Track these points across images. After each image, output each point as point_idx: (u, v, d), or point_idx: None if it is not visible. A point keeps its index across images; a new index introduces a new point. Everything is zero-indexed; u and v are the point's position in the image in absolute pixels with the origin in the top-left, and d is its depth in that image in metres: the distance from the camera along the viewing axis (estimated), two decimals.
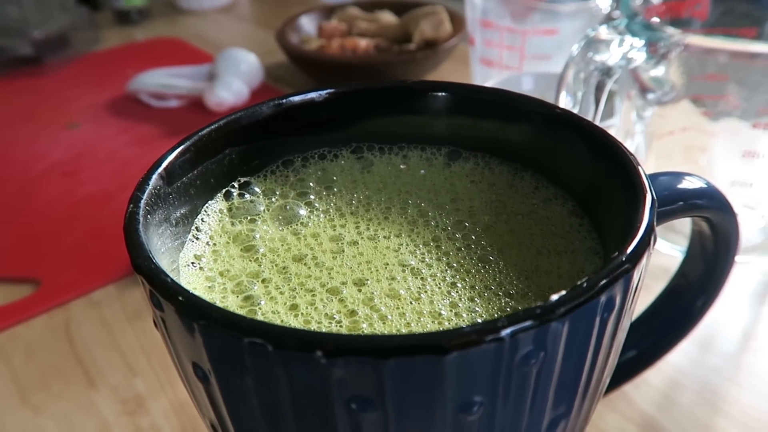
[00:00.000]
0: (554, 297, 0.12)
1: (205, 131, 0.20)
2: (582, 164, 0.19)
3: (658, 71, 0.32)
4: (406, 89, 0.21)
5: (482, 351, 0.11)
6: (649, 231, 0.14)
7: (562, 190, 0.20)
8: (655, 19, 0.41)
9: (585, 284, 0.12)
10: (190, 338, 0.13)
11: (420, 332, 0.15)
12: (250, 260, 0.19)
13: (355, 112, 0.22)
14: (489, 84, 0.47)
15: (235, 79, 0.58)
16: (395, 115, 0.22)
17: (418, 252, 0.19)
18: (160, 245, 0.17)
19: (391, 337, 0.12)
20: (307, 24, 0.67)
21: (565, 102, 0.31)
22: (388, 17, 0.64)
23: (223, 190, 0.21)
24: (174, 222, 0.18)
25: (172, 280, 0.13)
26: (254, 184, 0.21)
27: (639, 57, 0.31)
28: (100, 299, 0.37)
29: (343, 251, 0.19)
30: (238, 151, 0.21)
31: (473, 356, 0.12)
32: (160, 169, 0.18)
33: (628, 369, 0.23)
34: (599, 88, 0.30)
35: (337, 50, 0.59)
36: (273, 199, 0.21)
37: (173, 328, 0.13)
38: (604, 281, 0.12)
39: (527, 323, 0.12)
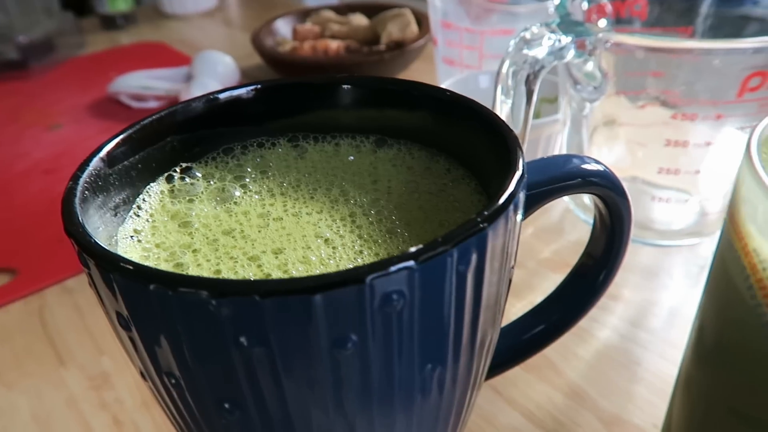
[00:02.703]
0: (411, 249, 0.14)
1: (146, 121, 0.22)
2: (477, 144, 0.21)
3: (588, 66, 0.34)
4: (331, 83, 0.24)
5: (345, 292, 0.14)
6: (509, 199, 0.16)
7: (468, 171, 0.23)
8: (603, 20, 0.43)
9: (440, 239, 0.15)
10: (110, 290, 0.15)
11: None
12: (185, 234, 0.21)
13: (289, 105, 0.24)
14: (448, 82, 0.49)
15: (212, 81, 0.60)
16: (327, 107, 0.25)
17: (334, 226, 0.21)
18: (99, 219, 0.19)
19: (268, 281, 0.14)
20: (283, 27, 0.69)
21: (500, 96, 0.33)
22: (359, 20, 0.66)
23: (166, 174, 0.23)
24: (115, 200, 0.21)
25: (95, 241, 0.15)
26: (195, 168, 0.24)
27: (569, 53, 0.33)
28: (74, 286, 0.39)
29: (268, 226, 0.21)
30: (180, 139, 0.23)
31: (338, 297, 0.14)
32: (101, 154, 0.20)
33: (538, 341, 0.25)
34: (529, 82, 0.32)
35: (309, 52, 0.61)
36: (212, 182, 0.23)
37: (98, 282, 0.16)
38: (455, 237, 0.15)
39: (383, 270, 0.14)
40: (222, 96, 0.23)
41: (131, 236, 0.20)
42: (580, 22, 0.33)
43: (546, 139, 0.45)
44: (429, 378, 0.17)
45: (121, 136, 0.21)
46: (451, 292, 0.15)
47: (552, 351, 0.32)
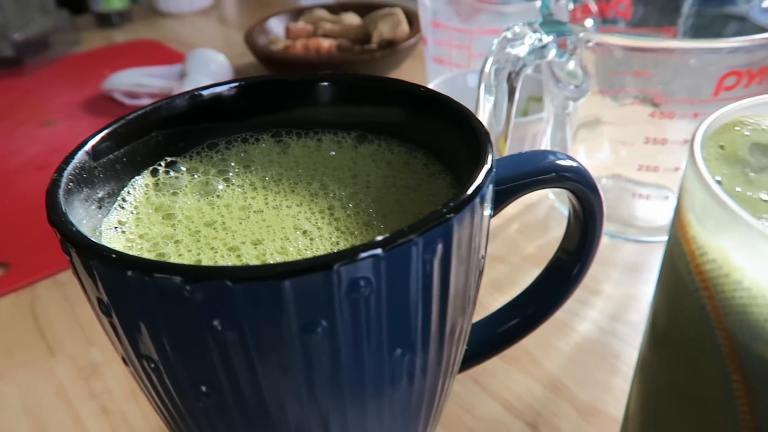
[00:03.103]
0: (378, 238, 0.15)
1: (132, 116, 0.23)
2: (452, 140, 0.22)
3: (570, 65, 0.35)
4: (310, 80, 0.24)
5: (313, 279, 0.14)
6: (476, 191, 0.17)
7: (444, 166, 0.23)
8: (589, 20, 0.44)
9: (405, 229, 0.15)
10: (90, 277, 0.16)
11: None
12: (168, 226, 0.22)
13: (271, 101, 0.25)
14: (436, 81, 0.50)
15: (204, 78, 0.61)
16: (308, 103, 0.25)
17: (313, 218, 0.22)
18: (83, 211, 0.20)
19: (239, 267, 0.15)
20: (276, 26, 0.70)
21: (483, 94, 0.34)
22: (352, 18, 0.67)
23: (150, 168, 0.24)
24: (101, 192, 0.21)
25: (76, 229, 0.16)
26: (180, 163, 0.24)
27: (550, 52, 0.34)
28: (65, 280, 0.40)
29: (249, 218, 0.22)
30: (165, 134, 0.24)
31: (307, 283, 0.14)
32: (86, 147, 0.21)
33: (513, 334, 0.26)
34: (511, 80, 0.33)
35: (301, 50, 0.62)
36: (195, 176, 0.24)
37: (80, 270, 0.16)
38: (421, 227, 0.15)
39: (350, 258, 0.15)
40: (205, 92, 0.24)
41: (115, 227, 0.21)
42: (561, 21, 0.34)
43: (532, 137, 0.46)
44: (399, 364, 0.18)
45: (106, 131, 0.22)
46: (417, 279, 0.16)
47: (532, 344, 0.33)
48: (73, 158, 0.20)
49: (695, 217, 0.12)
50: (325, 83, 0.24)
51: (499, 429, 0.29)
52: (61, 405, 0.31)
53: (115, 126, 0.22)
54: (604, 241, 0.40)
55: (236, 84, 0.24)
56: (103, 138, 0.21)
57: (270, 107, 0.25)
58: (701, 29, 0.40)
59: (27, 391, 0.32)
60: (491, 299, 0.36)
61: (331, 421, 0.19)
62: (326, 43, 0.61)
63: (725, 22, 0.40)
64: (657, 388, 0.15)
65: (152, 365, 0.17)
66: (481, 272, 0.21)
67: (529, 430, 0.29)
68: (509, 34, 0.34)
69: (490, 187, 0.19)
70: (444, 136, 0.22)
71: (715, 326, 0.12)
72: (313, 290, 0.15)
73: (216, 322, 0.15)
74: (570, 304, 0.36)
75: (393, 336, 0.17)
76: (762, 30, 0.37)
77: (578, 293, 0.36)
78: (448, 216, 0.16)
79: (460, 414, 0.30)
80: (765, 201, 0.13)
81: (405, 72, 0.66)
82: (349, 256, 0.15)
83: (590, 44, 0.34)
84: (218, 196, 0.23)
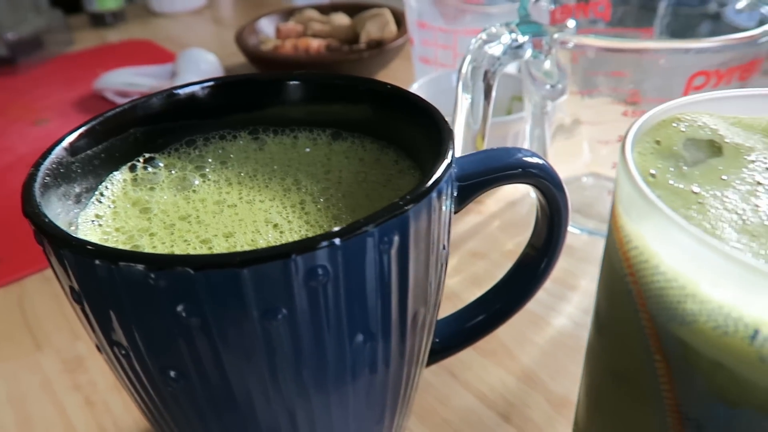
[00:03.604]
0: (335, 229, 0.16)
1: (110, 113, 0.23)
2: (418, 135, 0.22)
3: (546, 65, 0.36)
4: (281, 79, 0.25)
5: (271, 267, 0.15)
6: (433, 185, 0.18)
7: (414, 162, 0.24)
8: (572, 21, 0.45)
9: (362, 220, 0.16)
10: (62, 266, 0.17)
11: None
12: (144, 219, 0.22)
13: (247, 100, 0.26)
14: (421, 81, 0.50)
15: (195, 77, 0.61)
16: (282, 101, 0.26)
17: (284, 212, 0.22)
18: (59, 204, 0.20)
19: (201, 256, 0.15)
20: (267, 26, 0.70)
21: (461, 92, 0.35)
22: (341, 19, 0.67)
23: (129, 163, 0.24)
24: (79, 187, 0.22)
25: (48, 220, 0.17)
26: (158, 159, 0.25)
27: (526, 52, 0.35)
28: (53, 275, 0.40)
29: (223, 212, 0.23)
30: (143, 131, 0.25)
31: (265, 271, 0.15)
32: (63, 143, 0.21)
33: (481, 328, 0.27)
34: (487, 78, 0.33)
35: (290, 50, 0.62)
36: (173, 172, 0.25)
37: (52, 259, 0.17)
38: (377, 218, 0.16)
39: (308, 247, 0.15)
40: (182, 91, 0.25)
41: (92, 221, 0.22)
42: (537, 22, 0.35)
43: (514, 136, 0.47)
44: (361, 351, 0.19)
45: (84, 128, 0.22)
46: (374, 268, 0.17)
47: (508, 337, 0.34)
48: (50, 154, 0.21)
49: (623, 208, 0.13)
50: (297, 82, 0.25)
51: (472, 420, 0.30)
52: (46, 397, 0.32)
53: (93, 123, 0.23)
54: (583, 237, 0.41)
55: (212, 83, 0.25)
56: (81, 134, 0.22)
57: (246, 105, 0.26)
58: (677, 29, 0.41)
59: (13, 383, 0.33)
60: (469, 294, 0.37)
61: (297, 407, 0.19)
62: (315, 43, 0.62)
63: (701, 23, 0.40)
64: (598, 371, 0.15)
65: (123, 352, 0.18)
66: (444, 264, 0.22)
67: (502, 420, 0.29)
68: (486, 34, 0.34)
69: (450, 181, 0.19)
70: (411, 132, 0.23)
71: (639, 309, 0.12)
72: (272, 278, 0.15)
73: (180, 309, 0.16)
74: (547, 299, 0.36)
75: (353, 323, 0.17)
76: (736, 30, 0.38)
77: (555, 288, 0.37)
78: (404, 208, 0.17)
79: (435, 405, 0.30)
80: (695, 193, 0.14)
81: (393, 72, 0.66)
82: (306, 245, 0.15)
83: (570, 45, 0.35)
84: (194, 191, 0.24)
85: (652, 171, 0.14)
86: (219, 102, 0.26)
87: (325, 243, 0.15)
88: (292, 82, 0.25)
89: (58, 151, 0.21)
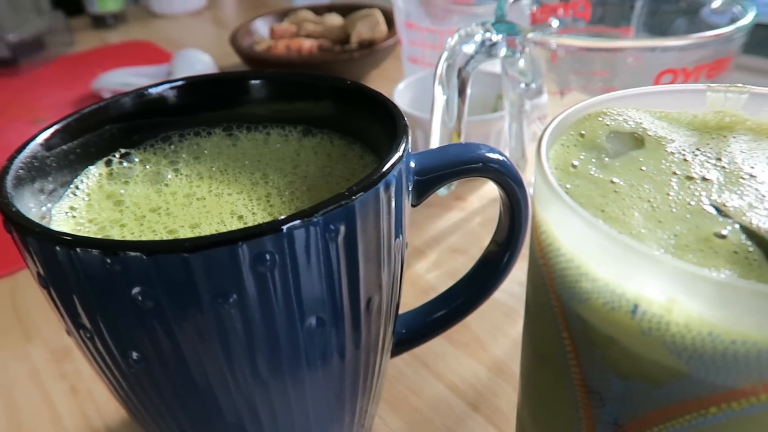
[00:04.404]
0: (281, 217, 0.17)
1: (86, 110, 0.24)
2: (379, 130, 0.23)
3: (520, 64, 0.36)
4: (246, 77, 0.26)
5: (219, 252, 0.16)
6: (379, 177, 0.19)
7: (377, 157, 0.25)
8: (555, 21, 0.45)
9: (307, 210, 0.17)
10: (28, 252, 0.18)
11: None
12: (116, 211, 0.23)
13: (217, 97, 0.27)
14: (407, 80, 0.51)
15: None
16: (251, 100, 0.27)
17: (250, 204, 0.23)
18: (32, 196, 0.21)
19: (153, 242, 0.16)
20: (262, 27, 0.71)
21: (437, 90, 0.36)
22: (334, 20, 0.68)
23: (105, 158, 0.25)
24: (54, 180, 0.23)
25: (16, 209, 0.18)
26: (134, 154, 0.26)
27: (501, 50, 0.36)
28: None
29: (192, 204, 0.24)
30: (118, 128, 0.26)
31: (214, 257, 0.16)
32: (38, 138, 0.22)
33: (445, 320, 0.28)
34: (461, 76, 0.34)
35: (283, 51, 0.64)
36: (147, 166, 0.26)
37: (20, 246, 0.18)
38: (321, 208, 0.17)
39: (254, 234, 0.16)
40: (155, 90, 0.26)
41: (66, 212, 0.23)
42: (511, 22, 0.35)
43: (497, 134, 0.47)
44: (314, 335, 0.19)
45: (60, 124, 0.23)
46: (321, 256, 0.18)
47: (482, 329, 0.35)
48: (24, 148, 0.22)
49: (536, 196, 0.14)
50: (262, 80, 0.26)
51: (442, 409, 0.30)
52: (34, 385, 0.33)
53: (69, 120, 0.24)
54: None
55: (182, 82, 0.26)
56: (56, 130, 0.23)
57: (217, 103, 0.27)
58: (655, 28, 0.42)
59: (2, 372, 0.34)
60: (446, 287, 0.38)
61: (256, 391, 0.20)
62: (307, 44, 0.63)
63: (678, 22, 0.41)
64: (528, 354, 0.16)
65: (88, 335, 0.19)
66: (401, 253, 0.22)
67: (470, 410, 0.30)
68: (462, 33, 0.35)
69: (403, 174, 0.20)
70: (374, 128, 0.24)
71: (549, 290, 0.13)
72: (220, 263, 0.16)
73: (135, 293, 0.17)
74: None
75: (303, 308, 0.18)
76: (710, 29, 0.39)
77: None
78: (349, 199, 0.18)
79: (406, 394, 0.31)
80: (613, 183, 0.15)
81: (384, 71, 0.67)
82: (252, 232, 0.16)
83: (555, 47, 0.35)
84: (166, 184, 0.25)
85: (575, 162, 0.15)
86: (191, 100, 0.27)
87: (270, 230, 0.16)
88: (257, 81, 0.26)
89: (32, 146, 0.22)
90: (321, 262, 0.18)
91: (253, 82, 0.26)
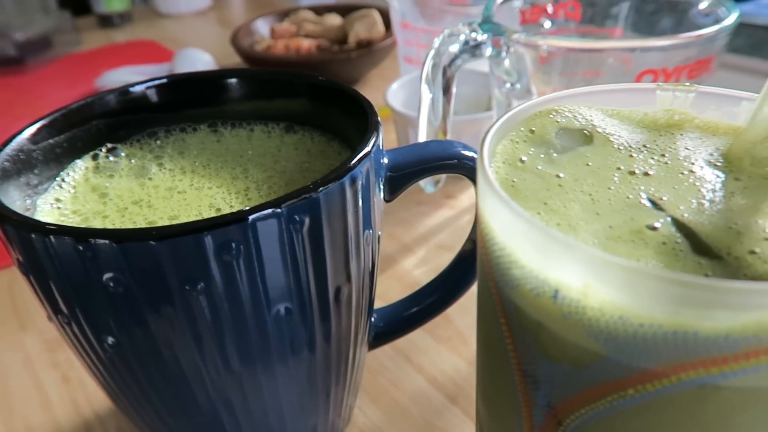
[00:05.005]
0: (245, 208, 0.17)
1: (73, 106, 0.25)
2: (353, 126, 0.24)
3: (506, 64, 0.37)
4: (224, 76, 0.27)
5: (185, 241, 0.17)
6: (345, 171, 0.19)
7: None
8: (548, 21, 0.46)
9: (272, 201, 0.18)
10: (8, 240, 0.19)
11: None
12: (100, 203, 0.24)
13: (201, 95, 0.28)
14: (401, 80, 0.52)
15: None
16: (239, 97, 0.28)
17: (228, 198, 0.24)
18: (16, 188, 0.22)
19: (122, 230, 0.17)
20: (263, 26, 0.72)
21: (424, 88, 0.36)
22: (333, 20, 0.69)
23: (92, 152, 0.26)
24: (40, 173, 0.24)
25: None
26: (121, 149, 0.27)
27: (486, 50, 0.36)
28: None
29: (173, 197, 0.24)
30: (105, 123, 0.27)
31: (180, 245, 0.17)
32: (25, 133, 0.23)
33: (420, 316, 0.28)
34: (446, 75, 0.35)
35: (282, 50, 0.64)
36: (133, 161, 0.27)
37: (2, 235, 0.19)
38: (285, 200, 0.18)
39: (219, 224, 0.17)
40: (138, 88, 0.26)
41: (51, 203, 0.24)
42: (496, 23, 0.36)
43: None
44: (283, 324, 0.20)
45: (46, 119, 0.24)
46: (286, 246, 0.18)
47: (464, 325, 0.35)
48: (11, 142, 0.23)
49: (477, 187, 0.14)
50: (238, 79, 0.27)
51: (421, 401, 0.31)
52: (27, 373, 0.34)
53: (56, 115, 0.25)
54: None
55: (165, 80, 0.27)
56: (42, 125, 0.24)
57: (200, 101, 0.28)
58: (644, 29, 0.42)
59: None
60: None
61: (227, 379, 0.21)
62: (306, 44, 0.64)
63: (665, 22, 0.41)
64: (479, 344, 0.17)
65: (66, 320, 0.20)
66: (373, 246, 0.23)
67: (449, 402, 0.31)
68: (448, 33, 0.36)
69: (373, 169, 0.21)
70: (349, 124, 0.25)
71: (489, 278, 0.14)
72: (187, 251, 0.17)
73: (107, 278, 0.17)
74: None
75: (269, 296, 0.19)
76: (698, 29, 0.39)
77: None
78: (315, 192, 0.18)
79: (387, 386, 0.32)
80: (559, 177, 0.15)
81: (383, 71, 0.68)
82: (218, 222, 0.17)
83: (545, 49, 0.36)
84: (150, 178, 0.26)
85: (523, 157, 0.16)
86: (174, 98, 0.27)
87: (235, 221, 0.17)
88: (236, 79, 0.26)
89: (19, 139, 0.23)
90: (286, 252, 0.19)
91: (232, 80, 0.27)
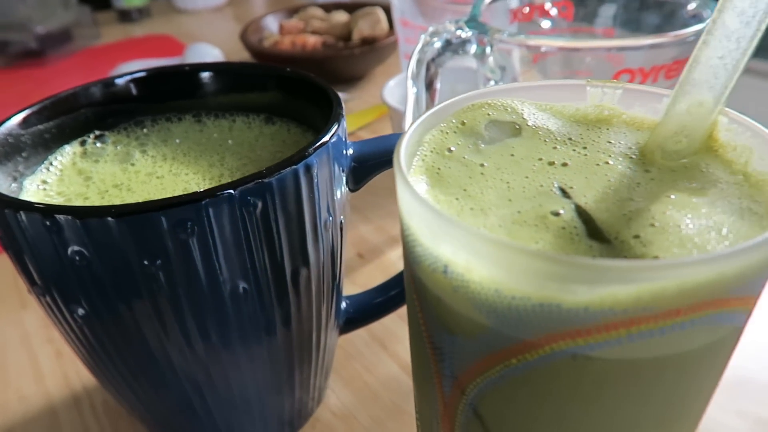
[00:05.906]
0: (200, 189, 0.19)
1: (63, 95, 0.27)
2: (321, 117, 0.25)
3: (490, 62, 0.38)
4: (201, 70, 0.28)
5: (142, 219, 0.18)
6: (299, 158, 0.20)
7: None
8: (546, 21, 0.47)
9: (226, 183, 0.19)
10: None
11: None
12: (83, 186, 0.26)
13: (183, 87, 0.29)
14: (397, 77, 0.53)
15: None
16: (221, 89, 0.29)
17: (202, 183, 0.26)
18: (5, 168, 0.24)
19: (84, 207, 0.18)
20: (272, 23, 0.74)
21: (409, 84, 0.37)
22: (340, 17, 0.70)
23: (80, 139, 0.28)
24: (28, 156, 0.26)
25: None
26: (108, 136, 0.29)
27: (471, 48, 0.37)
28: None
29: (151, 182, 0.26)
30: (93, 111, 0.28)
31: (137, 222, 0.18)
32: (14, 118, 0.25)
33: (389, 305, 0.29)
34: (429, 72, 0.36)
35: (288, 46, 0.66)
36: (118, 147, 0.28)
37: None
38: (238, 183, 0.19)
39: (174, 203, 0.18)
40: (122, 79, 0.28)
41: (38, 185, 0.25)
42: (481, 22, 0.37)
43: None
44: (241, 302, 0.21)
45: (36, 106, 0.26)
46: (239, 226, 0.20)
47: None
48: (0, 126, 0.24)
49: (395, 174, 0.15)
50: (215, 72, 0.28)
51: (392, 385, 0.32)
52: (23, 348, 0.36)
53: (46, 102, 0.26)
54: None
55: (148, 73, 0.28)
56: (32, 112, 0.26)
57: (186, 93, 0.29)
58: (635, 29, 0.43)
59: None
60: None
61: (192, 357, 0.22)
62: (312, 40, 0.65)
63: (654, 23, 0.42)
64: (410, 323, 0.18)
65: (40, 292, 0.21)
66: (335, 231, 0.24)
67: None
68: (432, 30, 0.37)
69: (332, 158, 0.22)
70: (318, 114, 0.26)
71: (409, 261, 0.15)
72: (144, 228, 0.18)
73: (71, 252, 0.19)
74: None
75: (225, 274, 0.20)
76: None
77: None
78: (268, 176, 0.20)
79: (361, 371, 0.33)
80: (482, 166, 0.16)
81: (387, 67, 0.69)
82: (173, 202, 0.18)
83: (544, 49, 0.37)
84: (132, 164, 0.27)
85: (452, 147, 0.17)
86: (159, 89, 0.29)
87: (190, 201, 0.18)
88: (214, 72, 0.28)
89: (8, 124, 0.24)
90: (240, 233, 0.20)
91: (210, 73, 0.28)
